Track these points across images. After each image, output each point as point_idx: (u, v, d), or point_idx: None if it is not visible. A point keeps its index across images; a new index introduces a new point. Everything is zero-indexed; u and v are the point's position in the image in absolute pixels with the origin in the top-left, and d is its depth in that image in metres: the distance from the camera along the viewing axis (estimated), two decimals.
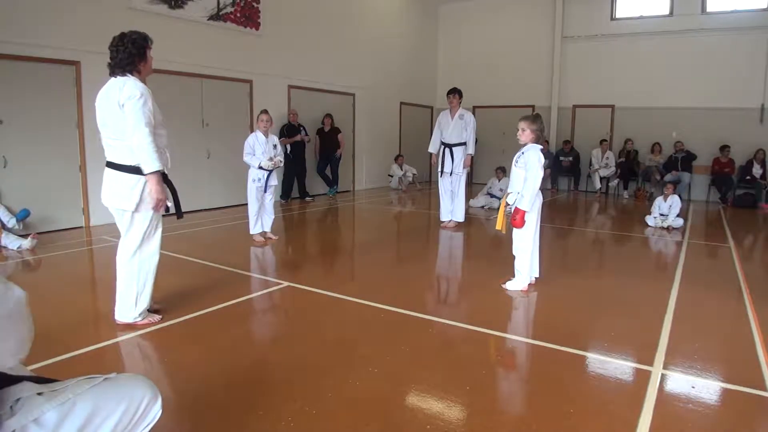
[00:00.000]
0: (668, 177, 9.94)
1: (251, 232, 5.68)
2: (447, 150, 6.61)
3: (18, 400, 1.09)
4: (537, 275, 4.11)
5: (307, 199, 9.34)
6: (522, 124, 3.91)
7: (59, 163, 6.20)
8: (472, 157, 6.83)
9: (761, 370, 2.68)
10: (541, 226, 4.08)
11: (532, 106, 11.99)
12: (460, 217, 6.78)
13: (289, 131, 8.81)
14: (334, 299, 3.76)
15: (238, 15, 8.12)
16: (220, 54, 7.89)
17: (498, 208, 4.20)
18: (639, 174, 10.67)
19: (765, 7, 9.92)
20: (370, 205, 9.28)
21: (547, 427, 2.11)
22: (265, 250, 5.42)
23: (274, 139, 5.79)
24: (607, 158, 11.01)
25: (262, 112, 5.64)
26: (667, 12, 10.77)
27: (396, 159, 11.59)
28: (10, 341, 1.09)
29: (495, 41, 12.64)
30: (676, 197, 7.10)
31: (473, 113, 7.73)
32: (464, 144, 6.57)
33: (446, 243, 6.15)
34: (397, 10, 12.12)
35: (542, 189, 4.07)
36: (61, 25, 6.02)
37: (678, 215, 7.01)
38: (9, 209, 5.67)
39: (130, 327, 3.11)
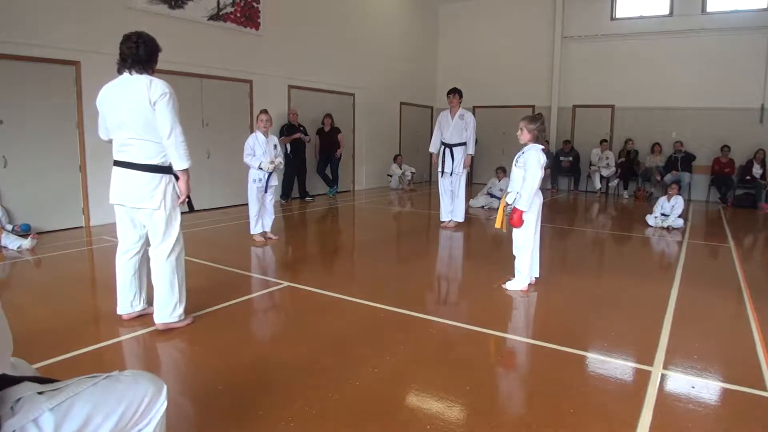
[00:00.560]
0: (668, 177, 9.94)
1: (251, 232, 5.69)
2: (447, 150, 6.61)
3: (18, 399, 1.08)
4: (537, 275, 4.12)
5: (307, 199, 9.34)
6: (521, 124, 3.97)
7: (59, 163, 6.19)
8: (472, 157, 6.83)
9: (761, 370, 2.69)
10: (541, 226, 4.09)
11: (532, 106, 11.99)
12: (460, 217, 6.78)
13: (289, 131, 8.80)
14: (334, 299, 3.76)
15: (238, 15, 8.12)
16: (220, 54, 7.89)
17: (498, 208, 4.22)
18: (639, 174, 10.68)
19: (765, 7, 9.92)
20: (370, 204, 9.28)
21: (547, 427, 2.11)
22: (266, 250, 5.42)
23: (274, 139, 5.79)
24: (607, 158, 11.02)
25: (261, 112, 5.63)
26: (667, 12, 10.77)
27: (395, 159, 11.61)
28: None
29: (495, 41, 12.63)
30: (679, 198, 7.10)
31: (473, 113, 7.74)
32: (464, 144, 6.57)
33: (446, 243, 6.15)
34: (397, 10, 12.12)
35: (542, 189, 4.07)
36: (61, 25, 6.01)
37: (679, 216, 7.02)
38: (9, 213, 5.68)
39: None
